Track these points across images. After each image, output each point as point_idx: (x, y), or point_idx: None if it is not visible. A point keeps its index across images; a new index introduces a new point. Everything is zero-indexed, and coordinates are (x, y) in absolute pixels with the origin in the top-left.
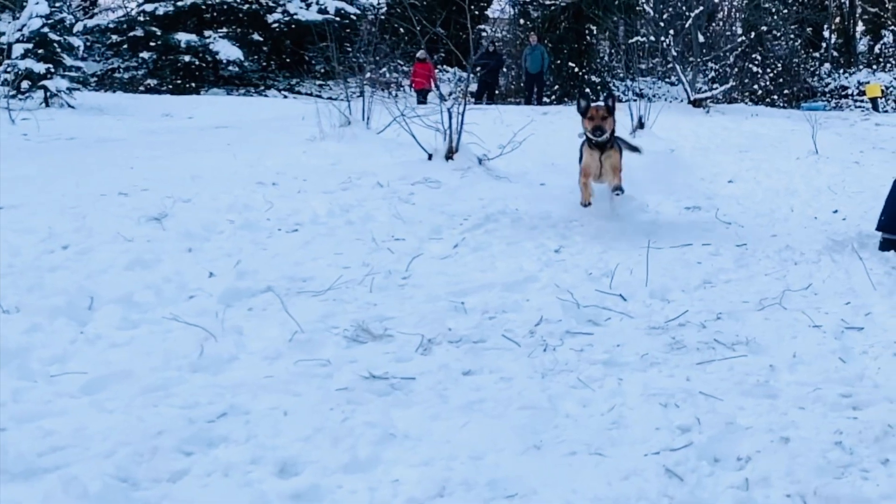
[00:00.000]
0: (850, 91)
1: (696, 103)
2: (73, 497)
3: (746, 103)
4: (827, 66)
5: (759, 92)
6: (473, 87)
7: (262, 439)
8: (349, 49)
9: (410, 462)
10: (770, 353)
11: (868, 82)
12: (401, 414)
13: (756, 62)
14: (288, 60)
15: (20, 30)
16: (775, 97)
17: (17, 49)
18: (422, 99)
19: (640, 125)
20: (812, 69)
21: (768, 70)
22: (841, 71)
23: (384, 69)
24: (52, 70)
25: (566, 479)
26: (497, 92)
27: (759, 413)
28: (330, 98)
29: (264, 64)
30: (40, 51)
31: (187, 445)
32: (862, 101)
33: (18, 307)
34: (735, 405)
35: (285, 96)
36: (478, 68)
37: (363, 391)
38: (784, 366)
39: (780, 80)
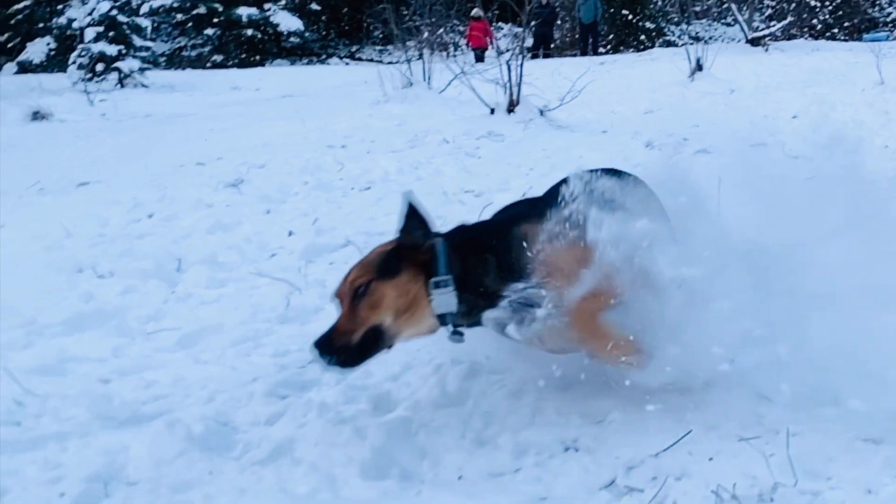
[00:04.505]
0: None
1: (755, 42)
2: (179, 438)
3: (806, 39)
4: None
5: (819, 26)
6: (529, 42)
7: (353, 381)
8: (406, 12)
9: (500, 394)
10: None
11: None
12: (485, 350)
13: None
14: (347, 28)
15: (90, 14)
16: (835, 31)
17: (90, 33)
18: (479, 56)
19: (699, 68)
20: None
21: (827, 3)
22: None
23: (441, 30)
24: (124, 52)
25: None
26: (552, 45)
27: None
28: (390, 62)
29: (324, 33)
30: (111, 33)
31: (281, 390)
32: None
33: (112, 272)
34: None
35: (347, 63)
36: (532, 22)
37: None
38: None
39: (840, 12)
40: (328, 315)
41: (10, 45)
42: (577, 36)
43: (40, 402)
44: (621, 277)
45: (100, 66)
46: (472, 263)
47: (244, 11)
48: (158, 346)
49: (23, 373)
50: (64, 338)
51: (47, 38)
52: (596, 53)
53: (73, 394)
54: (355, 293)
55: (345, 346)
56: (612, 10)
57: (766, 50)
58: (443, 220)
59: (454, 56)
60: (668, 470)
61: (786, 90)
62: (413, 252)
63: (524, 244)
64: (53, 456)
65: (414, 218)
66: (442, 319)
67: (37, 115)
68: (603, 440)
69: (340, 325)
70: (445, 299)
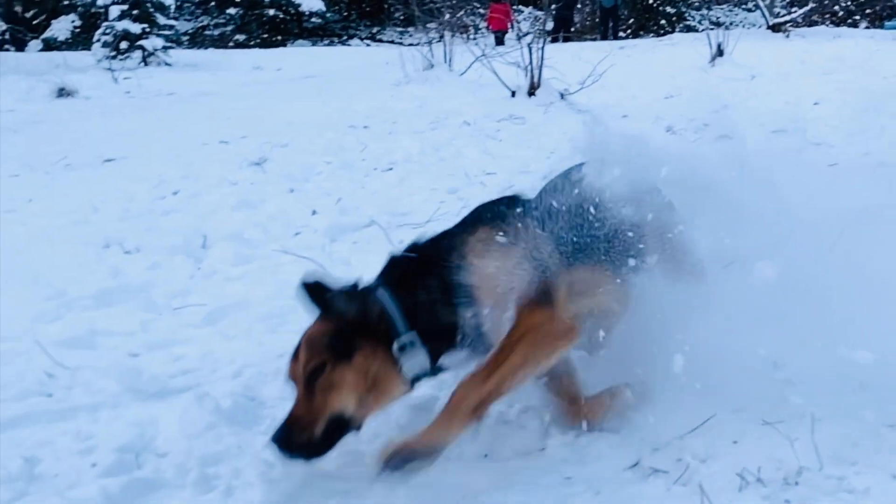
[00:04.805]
0: None
1: (776, 28)
2: (208, 412)
3: (827, 25)
4: None
5: (840, 13)
6: (550, 25)
7: None
8: None
9: None
10: None
11: None
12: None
13: None
14: (368, 9)
15: None
16: (857, 17)
17: (114, 11)
18: (499, 39)
19: (720, 53)
20: None
21: None
22: None
23: (461, 12)
24: (147, 30)
25: None
26: (573, 29)
27: None
28: (411, 44)
29: (345, 14)
30: (135, 12)
31: None
32: None
33: (139, 247)
34: None
35: (367, 44)
36: (553, 5)
37: None
38: None
39: None
40: None
41: (35, 21)
42: (597, 20)
43: (71, 375)
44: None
45: (124, 45)
46: (426, 303)
47: None
48: (185, 321)
49: (53, 345)
50: (93, 311)
51: (72, 16)
52: (616, 37)
53: (102, 367)
54: (310, 377)
55: (307, 441)
56: None
57: (787, 36)
58: (464, 201)
59: (475, 39)
60: (692, 452)
61: (807, 77)
62: (360, 322)
63: (472, 265)
64: (85, 427)
65: (323, 293)
66: (415, 381)
67: (62, 92)
68: (627, 421)
69: (298, 414)
70: (416, 361)
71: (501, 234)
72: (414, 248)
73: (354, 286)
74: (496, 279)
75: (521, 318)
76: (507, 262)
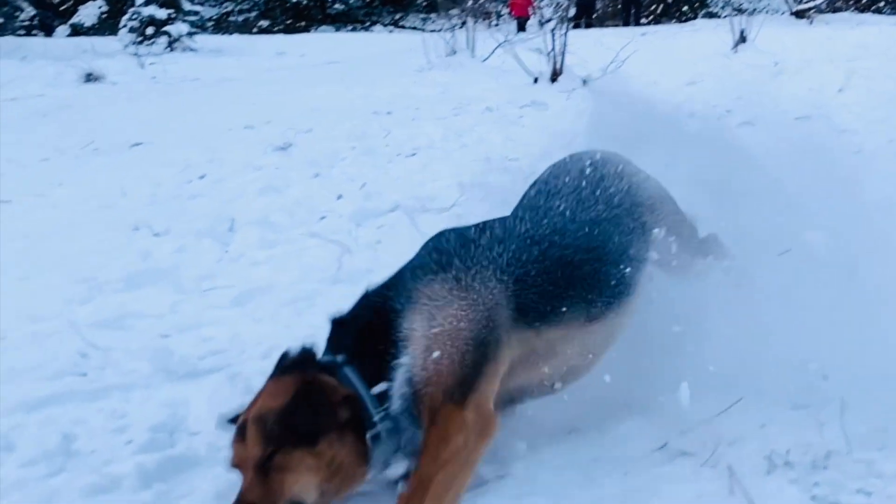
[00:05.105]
0: None
1: (799, 14)
2: (238, 392)
3: (851, 11)
4: None
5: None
6: (572, 11)
7: None
8: None
9: None
10: None
11: None
12: None
13: None
14: None
15: None
16: (881, 3)
17: None
18: (521, 25)
19: (743, 40)
20: None
21: None
22: None
23: None
24: (173, 15)
25: None
26: (595, 15)
27: None
28: (433, 30)
29: (368, 0)
30: None
31: None
32: None
33: (167, 231)
34: None
35: (390, 31)
36: None
37: None
38: None
39: None
40: (379, 276)
41: (63, 7)
42: (619, 6)
43: (103, 355)
44: None
45: (150, 30)
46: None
47: None
48: (213, 303)
49: (85, 326)
50: (123, 293)
51: (99, 2)
52: (638, 24)
53: (134, 347)
54: (261, 463)
55: None
56: None
57: (811, 22)
58: (486, 187)
59: (497, 25)
60: (720, 435)
61: (831, 63)
62: (327, 404)
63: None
64: (119, 406)
65: (290, 367)
66: (385, 466)
67: (90, 77)
68: (656, 403)
69: (249, 501)
70: (389, 445)
71: (448, 285)
72: (366, 303)
73: (312, 358)
74: (435, 351)
75: (439, 430)
76: (447, 327)
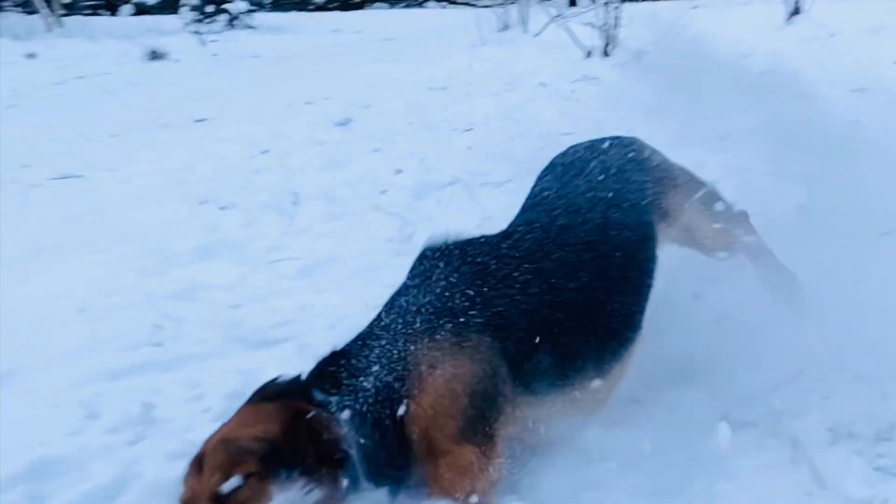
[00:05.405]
0: None
1: None
2: (309, 360)
3: None
4: None
5: None
6: None
7: None
8: None
9: None
10: None
11: None
12: None
13: None
14: None
15: None
16: None
17: None
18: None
19: (797, 11)
20: None
21: None
22: None
23: None
24: None
25: None
26: None
27: None
28: (486, 6)
29: None
30: None
31: None
32: None
33: (234, 204)
34: None
35: (443, 7)
36: None
37: None
38: None
39: None
40: None
41: None
42: None
43: (176, 326)
44: None
45: (210, 8)
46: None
47: None
48: (281, 274)
49: (159, 298)
50: (193, 266)
51: None
52: None
53: (206, 318)
54: (217, 495)
55: None
56: None
57: None
58: (541, 162)
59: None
60: (782, 406)
61: (887, 36)
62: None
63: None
64: (194, 375)
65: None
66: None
67: (154, 55)
68: (717, 374)
69: None
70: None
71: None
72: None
73: (306, 390)
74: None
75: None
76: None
